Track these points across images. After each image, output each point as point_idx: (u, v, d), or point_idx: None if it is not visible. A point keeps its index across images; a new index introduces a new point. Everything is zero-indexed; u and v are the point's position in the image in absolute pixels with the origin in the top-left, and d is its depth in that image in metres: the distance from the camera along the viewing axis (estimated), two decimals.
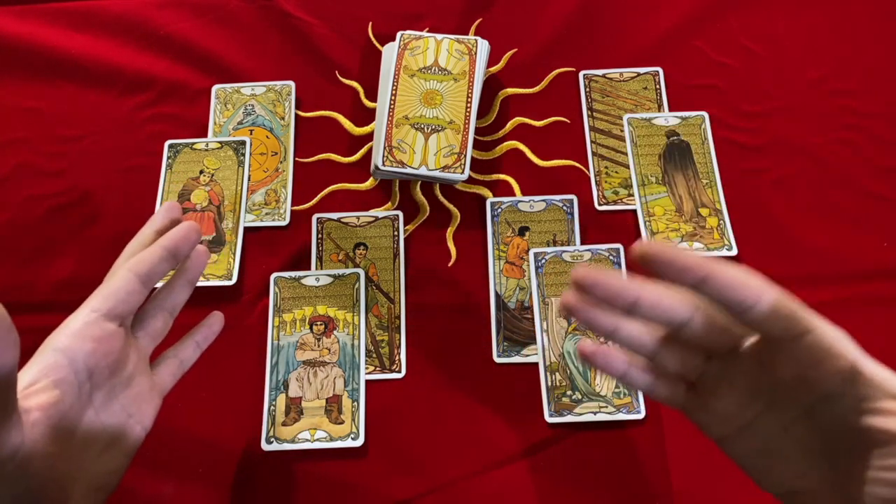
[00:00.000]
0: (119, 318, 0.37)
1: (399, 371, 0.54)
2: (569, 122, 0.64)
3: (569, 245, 0.58)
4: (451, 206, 0.60)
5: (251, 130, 0.64)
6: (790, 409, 0.30)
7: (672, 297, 0.30)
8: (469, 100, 0.60)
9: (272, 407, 0.53)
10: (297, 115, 0.65)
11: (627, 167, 0.61)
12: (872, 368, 0.27)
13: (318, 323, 0.56)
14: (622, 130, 0.62)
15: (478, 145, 0.62)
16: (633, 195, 0.60)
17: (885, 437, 0.26)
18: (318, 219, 0.60)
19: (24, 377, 0.34)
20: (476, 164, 0.61)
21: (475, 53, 0.62)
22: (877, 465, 0.27)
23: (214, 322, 0.46)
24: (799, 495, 0.31)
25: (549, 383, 0.53)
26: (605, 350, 0.34)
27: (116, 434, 0.38)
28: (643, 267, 0.29)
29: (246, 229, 0.60)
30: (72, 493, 0.35)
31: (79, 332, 0.36)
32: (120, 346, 0.37)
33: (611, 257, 0.57)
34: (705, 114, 0.62)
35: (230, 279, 0.57)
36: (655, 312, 0.30)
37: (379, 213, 0.60)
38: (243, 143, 0.63)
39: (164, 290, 0.42)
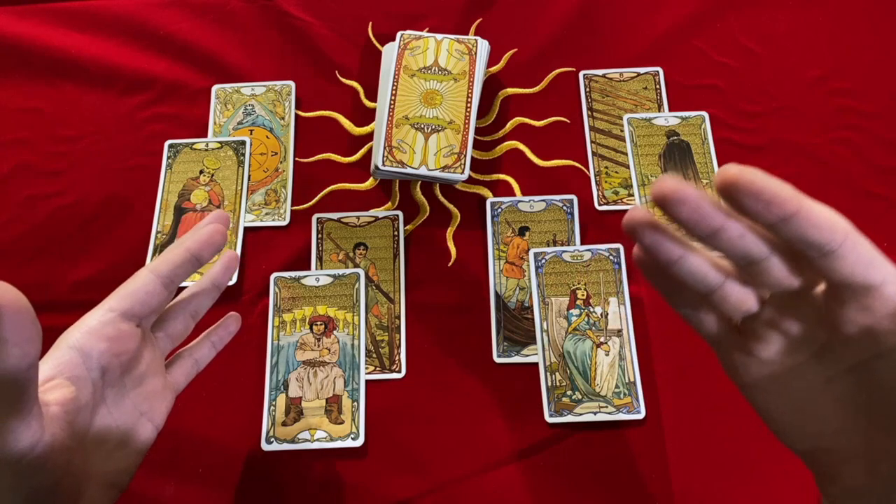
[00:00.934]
0: (136, 319, 0.37)
1: (399, 371, 0.54)
2: (569, 122, 0.64)
3: (569, 245, 0.58)
4: (451, 206, 0.60)
5: (251, 130, 0.64)
6: (841, 361, 0.28)
7: (757, 230, 0.26)
8: (469, 100, 0.60)
9: (272, 407, 0.53)
10: (297, 115, 0.65)
11: (627, 167, 0.61)
12: None
13: (318, 323, 0.56)
14: (622, 130, 0.62)
15: (478, 145, 0.62)
16: (633, 195, 0.60)
17: None
18: (318, 219, 0.60)
19: (41, 372, 0.34)
20: (476, 164, 0.61)
21: (475, 53, 0.62)
22: None
23: (231, 323, 0.46)
24: (825, 453, 0.29)
25: (549, 383, 0.53)
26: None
27: (129, 432, 0.38)
28: (723, 195, 0.25)
29: (246, 229, 0.60)
30: (86, 489, 0.35)
31: (94, 330, 0.36)
32: (135, 346, 0.37)
33: (611, 257, 0.57)
34: (705, 114, 0.62)
35: (230, 279, 0.57)
36: (738, 245, 0.26)
37: (379, 213, 0.60)
38: (243, 143, 0.63)
39: (190, 294, 0.42)
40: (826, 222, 0.25)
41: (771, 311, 0.29)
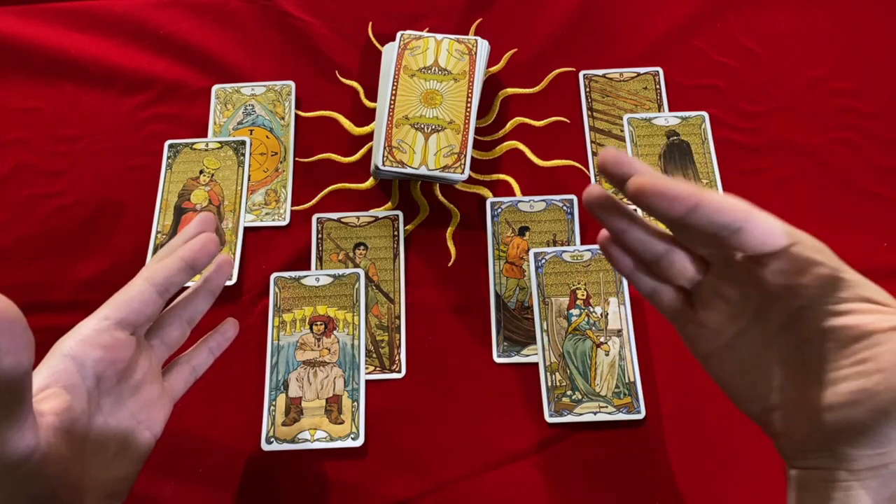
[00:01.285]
0: (131, 327, 0.37)
1: (399, 371, 0.54)
2: (569, 122, 0.64)
3: (569, 245, 0.58)
4: (451, 206, 0.60)
5: (251, 130, 0.64)
6: (773, 320, 0.31)
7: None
8: (469, 100, 0.60)
9: (272, 407, 0.53)
10: (297, 115, 0.65)
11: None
12: (849, 274, 0.29)
13: (318, 323, 0.56)
14: (622, 130, 0.62)
15: (478, 145, 0.62)
16: None
17: (855, 333, 0.28)
18: (318, 219, 0.60)
19: (35, 381, 0.34)
20: (476, 164, 0.61)
21: (475, 53, 0.62)
22: (845, 363, 0.28)
23: (228, 328, 0.46)
24: (773, 412, 0.32)
25: (549, 383, 0.53)
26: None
27: (126, 440, 0.38)
28: (635, 201, 0.29)
29: (246, 229, 0.60)
30: (84, 499, 0.35)
31: (88, 338, 0.36)
32: (129, 355, 0.37)
33: None
34: (705, 114, 0.62)
35: (230, 279, 0.57)
36: (706, 219, 0.29)
37: (379, 213, 0.60)
38: (243, 143, 0.63)
39: (185, 300, 0.42)
40: (726, 207, 0.28)
41: (712, 278, 0.33)
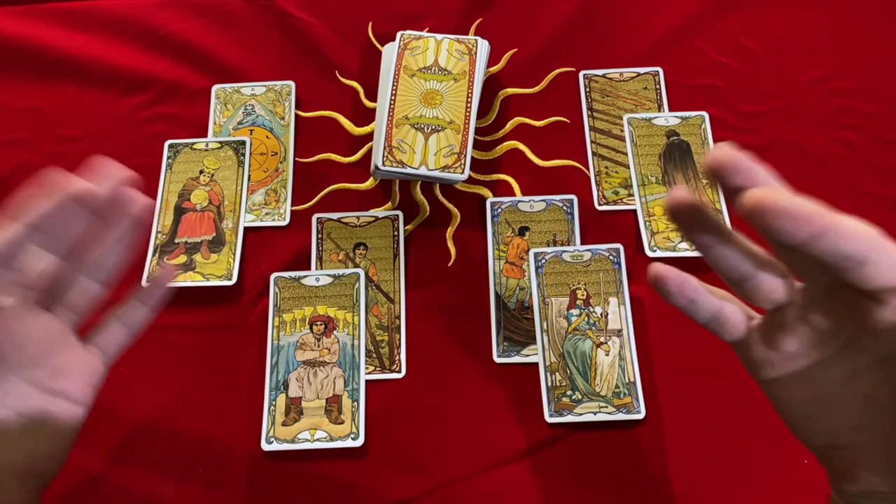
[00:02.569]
0: None
1: (399, 371, 0.54)
2: (569, 122, 0.64)
3: (569, 245, 0.58)
4: (451, 206, 0.60)
5: (251, 130, 0.64)
6: (868, 355, 0.27)
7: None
8: (469, 100, 0.60)
9: (272, 407, 0.53)
10: (297, 115, 0.65)
11: (627, 167, 0.61)
12: None
13: (318, 323, 0.56)
14: (622, 130, 0.62)
15: (478, 145, 0.62)
16: (633, 195, 0.60)
17: None
18: (318, 219, 0.60)
19: None
20: (476, 164, 0.61)
21: (475, 53, 0.62)
22: None
23: (163, 274, 0.41)
24: (843, 450, 0.29)
25: (549, 383, 0.53)
26: (679, 277, 0.31)
27: (35, 416, 0.35)
28: (750, 216, 0.25)
29: (246, 229, 0.60)
30: (4, 482, 0.33)
31: None
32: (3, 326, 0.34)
33: (611, 257, 0.57)
34: (705, 114, 0.62)
35: (230, 279, 0.57)
36: (830, 248, 0.25)
37: (379, 213, 0.60)
38: (243, 143, 0.63)
39: (86, 255, 0.37)
40: (858, 234, 0.24)
41: (802, 302, 0.29)
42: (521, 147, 0.63)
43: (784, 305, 0.29)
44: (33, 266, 0.35)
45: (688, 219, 0.28)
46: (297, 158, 0.63)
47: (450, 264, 0.58)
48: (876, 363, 0.27)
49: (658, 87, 0.64)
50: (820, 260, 0.25)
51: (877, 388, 0.27)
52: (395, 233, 0.59)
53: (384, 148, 0.58)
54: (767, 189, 0.25)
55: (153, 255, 0.58)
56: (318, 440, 0.52)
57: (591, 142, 0.62)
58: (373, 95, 0.65)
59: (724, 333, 0.32)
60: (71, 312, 0.37)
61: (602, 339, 0.54)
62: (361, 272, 0.57)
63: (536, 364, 0.54)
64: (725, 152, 0.26)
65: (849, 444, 0.29)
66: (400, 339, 0.55)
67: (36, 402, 0.35)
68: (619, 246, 0.57)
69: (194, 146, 0.63)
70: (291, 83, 0.66)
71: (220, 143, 0.63)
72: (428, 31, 0.64)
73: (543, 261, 0.57)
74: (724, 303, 0.31)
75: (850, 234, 0.24)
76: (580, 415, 0.52)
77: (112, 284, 0.38)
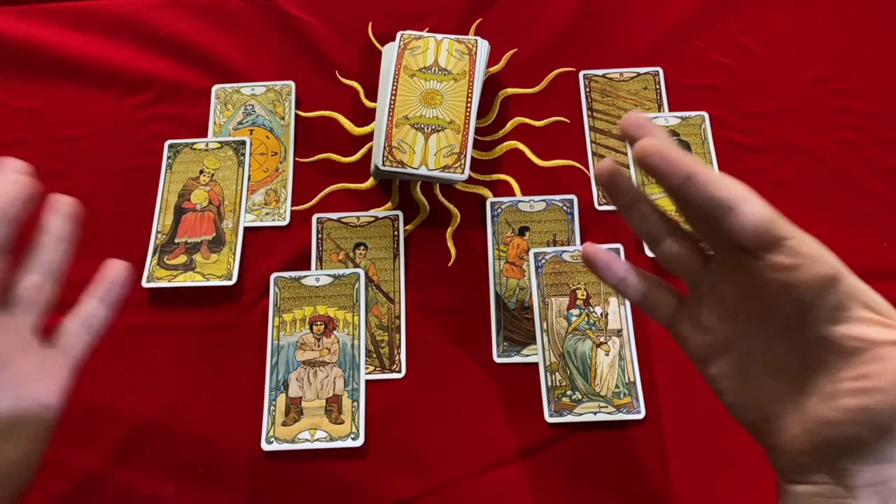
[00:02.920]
0: None
1: (399, 371, 0.54)
2: (569, 122, 0.64)
3: (569, 245, 0.58)
4: (451, 206, 0.60)
5: (251, 130, 0.64)
6: (771, 325, 0.30)
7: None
8: (469, 100, 0.60)
9: (272, 407, 0.53)
10: (297, 115, 0.65)
11: (627, 167, 0.61)
12: (850, 279, 0.28)
13: (318, 323, 0.56)
14: None
15: (478, 145, 0.62)
16: None
17: (857, 345, 0.27)
18: (318, 219, 0.60)
19: None
20: (476, 164, 0.61)
21: (475, 53, 0.62)
22: (846, 376, 0.27)
23: (114, 270, 0.41)
24: (768, 424, 0.31)
25: (549, 383, 0.53)
26: (607, 255, 0.36)
27: (7, 421, 0.35)
28: (639, 161, 0.30)
29: (246, 229, 0.60)
30: None
31: None
32: None
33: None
34: (705, 114, 0.62)
35: (230, 279, 0.57)
36: (700, 192, 0.29)
37: (379, 213, 0.60)
38: (243, 143, 0.63)
39: (31, 254, 0.38)
40: (722, 183, 0.29)
41: (711, 273, 0.33)
42: (521, 147, 0.63)
43: (699, 280, 0.33)
44: None
45: (611, 185, 0.34)
46: (297, 158, 0.63)
47: (450, 264, 0.58)
48: (782, 332, 0.30)
49: (658, 87, 0.64)
50: (698, 207, 0.29)
51: (785, 356, 0.30)
52: (395, 233, 0.59)
53: (384, 148, 0.58)
54: (652, 138, 0.30)
55: (153, 255, 0.58)
56: (318, 440, 0.52)
57: (591, 142, 0.62)
58: (373, 95, 0.65)
59: (657, 313, 0.36)
60: (26, 314, 0.37)
61: (602, 339, 0.54)
62: (361, 272, 0.57)
63: (536, 364, 0.54)
64: (632, 115, 0.31)
65: (773, 416, 0.31)
66: (400, 339, 0.55)
67: (6, 406, 0.35)
68: (619, 246, 0.57)
69: (194, 146, 0.63)
70: (291, 83, 0.66)
71: (220, 143, 0.63)
72: (428, 31, 0.64)
73: (543, 261, 0.57)
74: (653, 285, 0.36)
75: (718, 181, 0.29)
76: (580, 415, 0.52)
77: (61, 283, 0.38)
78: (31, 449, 0.36)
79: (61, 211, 0.38)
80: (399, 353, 0.55)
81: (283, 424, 0.52)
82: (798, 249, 0.28)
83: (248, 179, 0.62)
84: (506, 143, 0.63)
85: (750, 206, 0.28)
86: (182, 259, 0.58)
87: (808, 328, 0.28)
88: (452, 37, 0.63)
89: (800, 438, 0.29)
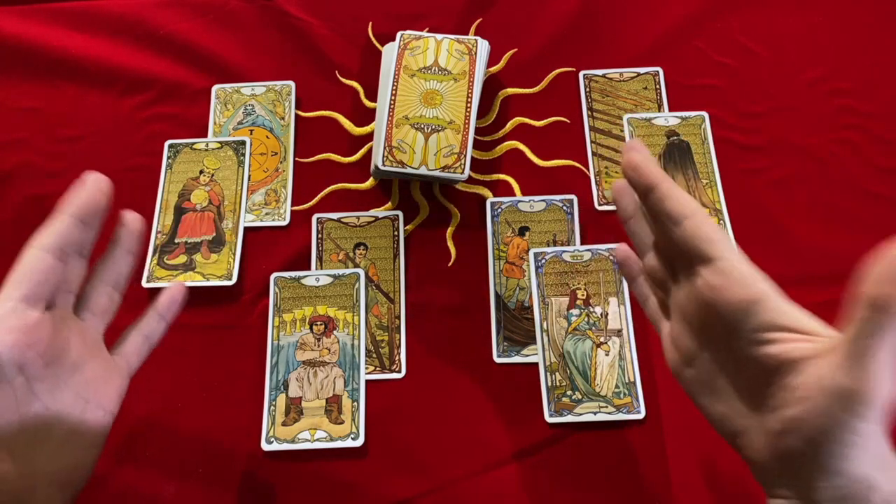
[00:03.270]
0: (40, 302, 0.34)
1: (399, 371, 0.54)
2: (569, 122, 0.64)
3: (569, 245, 0.58)
4: (451, 206, 0.60)
5: (251, 130, 0.64)
6: (717, 344, 0.31)
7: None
8: (469, 100, 0.60)
9: (272, 407, 0.53)
10: (297, 115, 0.65)
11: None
12: (772, 302, 0.29)
13: (318, 323, 0.56)
14: (622, 130, 0.62)
15: (478, 145, 0.62)
16: None
17: (777, 363, 0.28)
18: (318, 219, 0.60)
19: None
20: (476, 164, 0.61)
21: (475, 53, 0.62)
22: (777, 391, 0.28)
23: (175, 290, 0.42)
24: (740, 437, 0.31)
25: (549, 383, 0.53)
26: (634, 256, 0.40)
27: (75, 424, 0.35)
28: (624, 173, 0.34)
29: (246, 229, 0.60)
30: (35, 494, 0.33)
31: None
32: (48, 333, 0.34)
33: (611, 257, 0.57)
34: (705, 114, 0.62)
35: (230, 279, 0.57)
36: (658, 205, 0.32)
37: (379, 213, 0.60)
38: (243, 143, 0.63)
39: (102, 263, 0.39)
40: (674, 195, 0.31)
41: (676, 290, 0.34)
42: (521, 147, 0.63)
43: (669, 294, 0.35)
44: (73, 268, 0.37)
45: (621, 194, 0.39)
46: (297, 158, 0.63)
47: (450, 264, 0.58)
48: (724, 350, 0.31)
49: (658, 87, 0.64)
50: (656, 218, 0.32)
51: (736, 374, 0.31)
52: (395, 233, 0.59)
53: (384, 148, 0.58)
54: (638, 154, 0.33)
55: (153, 255, 0.58)
56: (318, 440, 0.52)
57: (591, 142, 0.62)
58: (373, 95, 0.65)
59: (652, 315, 0.38)
60: (97, 320, 0.38)
61: (602, 339, 0.54)
62: (361, 272, 0.57)
63: (536, 364, 0.54)
64: (636, 157, 0.33)
65: (741, 430, 0.31)
66: (400, 339, 0.55)
67: (74, 409, 0.35)
68: (619, 246, 0.57)
69: (194, 146, 0.63)
70: (291, 83, 0.66)
71: (220, 143, 0.63)
72: (428, 31, 0.64)
73: (543, 261, 0.57)
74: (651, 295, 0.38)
75: (675, 196, 0.31)
76: (580, 415, 0.52)
77: (125, 293, 0.40)
78: (88, 455, 0.36)
79: (129, 226, 0.40)
80: (399, 353, 0.55)
81: (283, 424, 0.52)
82: (724, 271, 0.29)
83: (248, 179, 0.62)
84: (506, 143, 0.63)
85: (693, 221, 0.30)
86: (182, 259, 0.58)
87: (739, 348, 0.30)
88: (452, 37, 0.63)
89: (763, 452, 0.30)
